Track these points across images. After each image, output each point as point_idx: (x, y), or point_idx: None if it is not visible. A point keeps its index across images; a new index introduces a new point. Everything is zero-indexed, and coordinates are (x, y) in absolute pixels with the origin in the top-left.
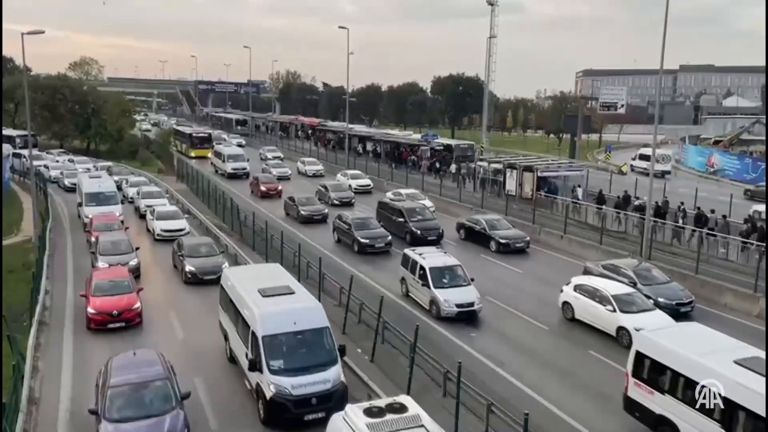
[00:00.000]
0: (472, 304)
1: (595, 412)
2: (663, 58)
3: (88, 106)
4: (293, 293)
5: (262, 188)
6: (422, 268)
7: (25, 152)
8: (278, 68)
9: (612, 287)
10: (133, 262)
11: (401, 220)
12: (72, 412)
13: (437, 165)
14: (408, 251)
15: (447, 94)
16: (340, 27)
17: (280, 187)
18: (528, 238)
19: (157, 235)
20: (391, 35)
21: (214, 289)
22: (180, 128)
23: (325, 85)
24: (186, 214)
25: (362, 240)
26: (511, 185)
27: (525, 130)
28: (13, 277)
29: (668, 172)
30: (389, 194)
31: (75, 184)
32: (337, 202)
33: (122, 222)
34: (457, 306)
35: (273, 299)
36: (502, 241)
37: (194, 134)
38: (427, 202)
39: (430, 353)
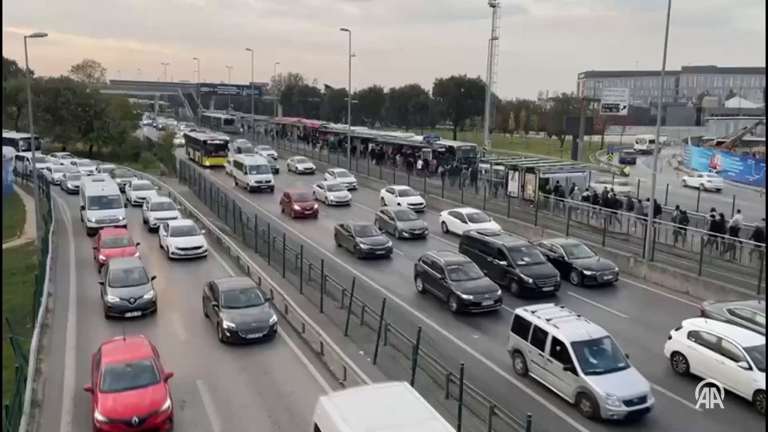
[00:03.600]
0: (644, 398)
1: None
2: (665, 60)
3: (90, 108)
4: None
5: (296, 207)
6: (558, 342)
7: (28, 155)
8: (280, 70)
9: (742, 337)
10: (148, 296)
11: (502, 263)
12: (75, 415)
13: (440, 166)
14: (523, 313)
15: (449, 96)
16: (342, 29)
17: (316, 206)
18: (617, 269)
19: (172, 253)
20: (393, 37)
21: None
22: (192, 134)
23: (327, 87)
24: (202, 230)
25: (464, 296)
26: (513, 187)
27: (527, 132)
28: (16, 280)
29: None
30: (445, 213)
31: (78, 187)
32: (407, 235)
33: (125, 226)
34: (626, 403)
35: None
36: (587, 272)
37: (209, 141)
38: (493, 225)
39: (432, 355)
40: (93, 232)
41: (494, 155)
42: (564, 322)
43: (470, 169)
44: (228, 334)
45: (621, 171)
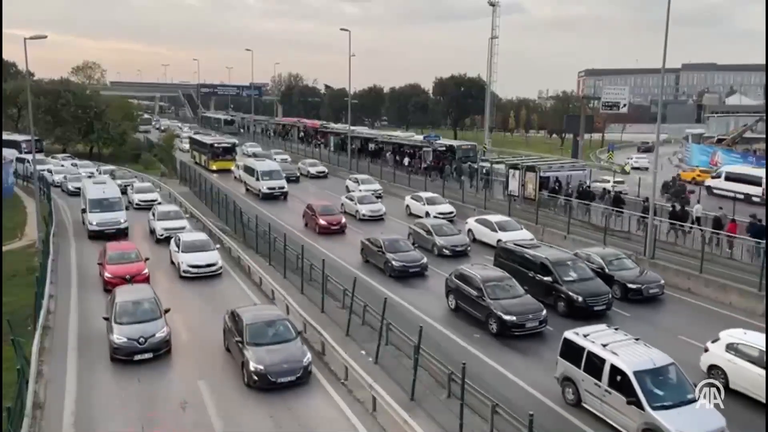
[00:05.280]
0: None
1: None
2: (665, 57)
3: (90, 110)
4: None
5: (321, 222)
6: (618, 371)
7: (29, 157)
8: (280, 71)
9: None
10: (161, 334)
11: (546, 279)
12: (77, 417)
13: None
14: (574, 337)
15: (449, 95)
16: (341, 29)
17: (344, 220)
18: (662, 282)
19: (184, 271)
20: (392, 37)
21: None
22: (197, 137)
23: (327, 87)
24: (216, 245)
25: (506, 317)
26: (513, 185)
27: (527, 130)
28: (17, 282)
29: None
30: (471, 221)
31: (78, 189)
32: (447, 252)
33: (126, 230)
34: None
35: None
36: (632, 286)
37: (215, 144)
38: (525, 233)
39: (434, 354)
40: (94, 236)
41: (494, 154)
42: (622, 347)
43: (455, 166)
44: (255, 378)
45: (622, 169)
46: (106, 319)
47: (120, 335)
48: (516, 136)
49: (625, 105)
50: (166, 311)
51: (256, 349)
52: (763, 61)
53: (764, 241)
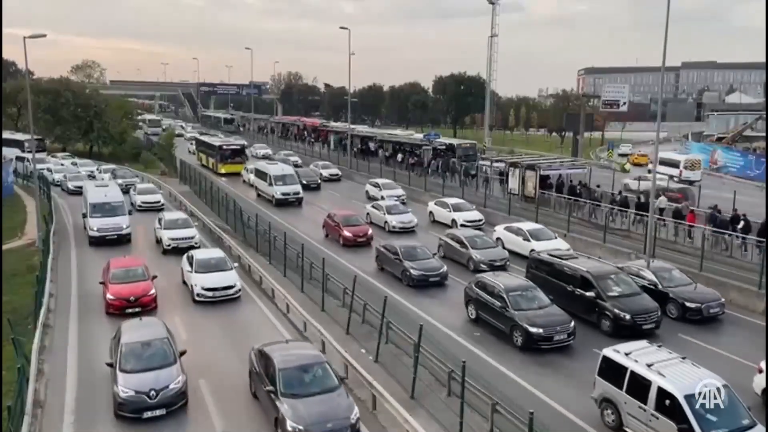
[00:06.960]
0: None
1: None
2: (665, 55)
3: (90, 109)
4: None
5: (347, 234)
6: (666, 394)
7: (29, 155)
8: (280, 69)
9: None
10: (175, 385)
11: (588, 294)
12: (77, 415)
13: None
14: (614, 355)
15: (449, 93)
16: (341, 27)
17: (370, 232)
18: (722, 300)
19: (198, 294)
20: (392, 36)
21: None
22: (204, 138)
23: (326, 85)
24: (234, 263)
25: (533, 330)
26: (513, 184)
27: (527, 129)
28: (17, 281)
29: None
30: (500, 229)
31: (79, 188)
32: (485, 267)
33: (129, 235)
34: None
35: None
36: (690, 305)
37: (224, 146)
38: (561, 243)
39: (434, 353)
40: (95, 242)
41: (494, 152)
42: (668, 367)
43: (442, 162)
44: None
45: (622, 167)
46: (110, 365)
47: (126, 387)
48: (516, 134)
49: (624, 103)
50: (182, 354)
51: (293, 403)
52: (763, 59)
53: (763, 239)
